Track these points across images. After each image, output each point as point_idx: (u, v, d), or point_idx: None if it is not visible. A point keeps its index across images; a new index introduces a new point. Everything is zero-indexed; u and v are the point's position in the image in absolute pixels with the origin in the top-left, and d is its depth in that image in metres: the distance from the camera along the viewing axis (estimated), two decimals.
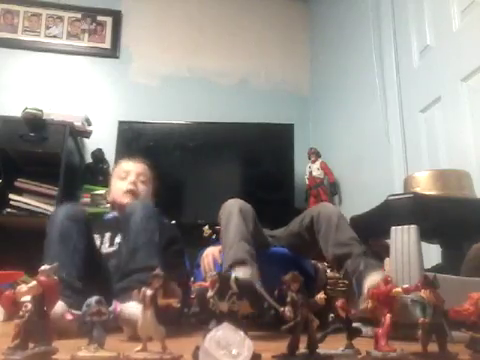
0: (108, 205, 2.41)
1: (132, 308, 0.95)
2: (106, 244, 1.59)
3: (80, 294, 1.16)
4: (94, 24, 3.20)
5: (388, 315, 0.73)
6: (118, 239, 1.59)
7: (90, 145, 2.90)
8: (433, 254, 1.51)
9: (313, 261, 1.67)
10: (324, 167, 2.73)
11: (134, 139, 2.87)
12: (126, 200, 1.67)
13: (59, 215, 1.39)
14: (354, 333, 0.79)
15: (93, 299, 0.68)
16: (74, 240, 1.33)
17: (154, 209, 1.46)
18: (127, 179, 1.74)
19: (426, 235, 1.24)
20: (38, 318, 0.64)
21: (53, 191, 2.43)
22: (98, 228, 1.60)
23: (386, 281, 0.76)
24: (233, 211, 1.44)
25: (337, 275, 1.53)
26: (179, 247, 1.64)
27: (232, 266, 1.27)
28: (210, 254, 1.62)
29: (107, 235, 1.61)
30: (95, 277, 1.37)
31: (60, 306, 0.88)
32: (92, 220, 1.56)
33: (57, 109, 2.65)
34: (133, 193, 1.71)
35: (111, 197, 1.80)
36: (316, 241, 1.46)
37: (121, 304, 1.05)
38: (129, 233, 1.38)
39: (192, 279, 1.64)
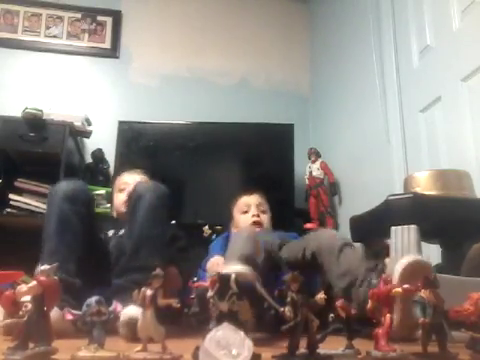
0: (108, 205, 2.43)
1: (131, 311, 0.94)
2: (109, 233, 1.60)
3: (78, 293, 1.15)
4: (94, 24, 3.20)
5: (388, 315, 0.73)
6: (121, 233, 1.61)
7: (90, 145, 2.90)
8: (433, 254, 1.51)
9: None
10: (324, 167, 2.73)
11: (134, 139, 2.87)
12: (124, 210, 1.69)
13: (57, 195, 1.33)
14: (354, 333, 0.79)
15: (93, 299, 0.68)
16: (73, 226, 1.29)
17: (164, 195, 1.41)
18: (125, 190, 1.77)
19: (426, 235, 1.24)
20: (38, 318, 0.64)
21: (49, 192, 2.43)
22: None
23: (386, 281, 0.76)
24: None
25: None
26: (183, 244, 1.65)
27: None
28: (216, 264, 1.57)
29: (111, 231, 1.63)
30: (94, 258, 1.35)
31: (55, 312, 0.86)
32: (94, 200, 1.50)
33: (57, 109, 2.64)
34: None
35: (115, 211, 1.84)
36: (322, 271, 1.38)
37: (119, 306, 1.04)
38: (135, 221, 1.33)
39: (195, 279, 1.64)
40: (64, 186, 1.37)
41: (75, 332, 0.88)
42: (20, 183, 2.47)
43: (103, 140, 2.86)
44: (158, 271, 0.71)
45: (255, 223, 1.92)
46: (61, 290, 0.69)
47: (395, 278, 0.95)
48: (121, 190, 1.82)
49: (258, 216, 1.95)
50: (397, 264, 1.01)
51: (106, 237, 1.62)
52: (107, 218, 2.40)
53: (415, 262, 0.99)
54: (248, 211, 1.99)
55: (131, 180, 1.82)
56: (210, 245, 1.86)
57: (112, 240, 1.58)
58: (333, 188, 2.70)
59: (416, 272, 0.94)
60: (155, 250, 1.30)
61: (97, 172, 2.78)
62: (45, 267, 0.68)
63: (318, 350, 0.69)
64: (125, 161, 2.82)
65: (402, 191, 1.41)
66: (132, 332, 0.92)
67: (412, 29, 2.13)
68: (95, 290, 1.09)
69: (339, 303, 0.79)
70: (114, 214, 1.87)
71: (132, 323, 0.93)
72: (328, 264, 1.33)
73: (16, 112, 2.51)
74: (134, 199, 1.37)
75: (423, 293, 0.73)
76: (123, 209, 1.71)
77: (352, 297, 1.21)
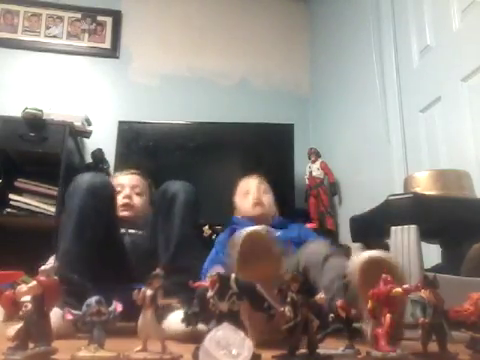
0: None
1: (175, 321, 0.88)
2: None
3: (85, 297, 1.13)
4: (94, 24, 3.20)
5: (388, 315, 0.73)
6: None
7: (90, 145, 2.90)
8: (433, 254, 1.51)
9: None
10: (324, 167, 2.73)
11: (134, 139, 2.87)
12: (123, 213, 1.69)
13: (80, 187, 1.28)
14: (354, 333, 0.79)
15: (93, 299, 0.68)
16: (93, 222, 1.24)
17: (195, 192, 1.41)
18: (122, 193, 1.76)
19: (426, 235, 1.24)
20: (38, 318, 0.64)
21: (53, 191, 2.43)
22: None
23: (386, 281, 0.76)
24: None
25: None
26: None
27: None
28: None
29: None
30: (113, 259, 1.33)
31: (55, 312, 0.84)
32: (114, 193, 1.45)
33: (57, 109, 2.64)
34: (128, 206, 1.72)
35: None
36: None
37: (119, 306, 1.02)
38: (172, 220, 1.29)
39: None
40: (88, 178, 1.31)
41: (75, 332, 0.88)
42: (20, 183, 2.47)
43: (103, 140, 2.86)
44: (158, 271, 0.71)
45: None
46: (65, 292, 0.69)
47: (354, 272, 0.93)
48: (117, 192, 1.76)
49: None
50: (355, 258, 0.98)
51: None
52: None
53: (374, 258, 0.94)
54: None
55: (126, 181, 1.81)
56: (216, 239, 1.81)
57: (126, 237, 1.57)
58: (333, 188, 2.70)
59: (375, 268, 0.90)
60: (195, 250, 1.29)
61: (97, 172, 2.78)
62: (45, 267, 0.68)
63: (318, 350, 0.69)
64: (125, 161, 2.82)
65: (402, 191, 1.41)
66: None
67: (412, 29, 2.13)
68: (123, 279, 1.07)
69: (339, 303, 0.79)
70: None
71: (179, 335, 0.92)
72: (315, 279, 1.27)
73: (16, 112, 2.51)
74: (168, 199, 1.35)
75: (423, 293, 0.73)
76: (121, 214, 1.69)
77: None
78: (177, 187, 1.38)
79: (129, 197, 1.75)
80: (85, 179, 1.31)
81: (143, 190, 1.81)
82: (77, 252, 1.20)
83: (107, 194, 1.33)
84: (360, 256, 0.96)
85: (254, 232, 0.98)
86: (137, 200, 1.77)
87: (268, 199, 1.93)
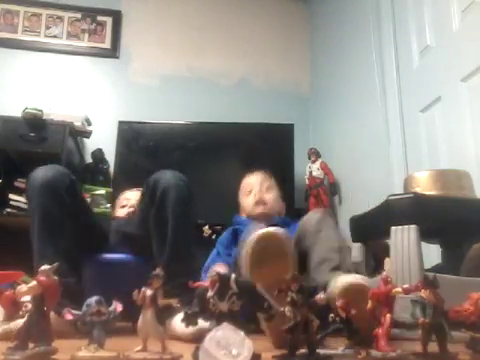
0: (109, 205, 2.43)
1: (179, 325, 0.85)
2: None
3: (75, 291, 1.13)
4: (94, 24, 3.20)
5: (388, 315, 0.73)
6: None
7: (90, 145, 2.90)
8: (433, 254, 1.51)
9: None
10: (324, 167, 2.73)
11: (134, 139, 2.87)
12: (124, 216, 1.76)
13: (35, 187, 1.24)
14: (354, 333, 0.79)
15: (93, 299, 0.68)
16: (58, 220, 1.21)
17: (187, 183, 1.36)
18: (127, 206, 1.85)
19: (426, 235, 1.24)
20: (38, 318, 0.64)
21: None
22: None
23: (386, 281, 0.76)
24: None
25: None
26: None
27: None
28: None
29: None
30: (88, 240, 1.32)
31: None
32: (74, 180, 1.37)
33: (57, 109, 2.64)
34: (132, 211, 1.77)
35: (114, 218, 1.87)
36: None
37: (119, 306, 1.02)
38: (166, 219, 1.25)
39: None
40: (41, 175, 1.26)
41: (73, 333, 0.88)
42: (20, 183, 2.47)
43: (103, 140, 2.86)
44: (158, 271, 0.71)
45: (258, 203, 1.80)
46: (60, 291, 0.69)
47: (334, 293, 0.95)
48: (122, 206, 1.86)
49: (260, 197, 1.81)
50: (338, 281, 0.99)
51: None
52: (107, 218, 2.41)
53: (353, 284, 0.96)
54: (251, 191, 1.86)
55: (133, 196, 1.86)
56: (218, 240, 1.79)
57: (112, 225, 1.58)
58: (333, 188, 2.70)
59: (354, 293, 0.93)
60: (191, 250, 1.28)
61: (97, 172, 2.78)
62: (45, 267, 0.68)
63: (318, 350, 0.69)
64: (125, 161, 2.82)
65: (402, 191, 1.41)
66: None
67: (412, 29, 2.13)
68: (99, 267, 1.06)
69: (339, 303, 0.79)
70: (110, 213, 1.93)
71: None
72: (308, 250, 1.24)
73: (16, 112, 2.51)
74: (160, 193, 1.28)
75: (423, 293, 0.73)
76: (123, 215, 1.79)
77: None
78: (168, 181, 1.31)
79: (133, 206, 1.81)
80: (38, 176, 1.26)
81: None
82: (51, 252, 1.19)
83: (63, 185, 1.27)
84: (339, 282, 0.98)
85: (268, 233, 0.97)
86: None
87: (272, 197, 1.85)
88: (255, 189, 1.85)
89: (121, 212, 1.84)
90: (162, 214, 1.27)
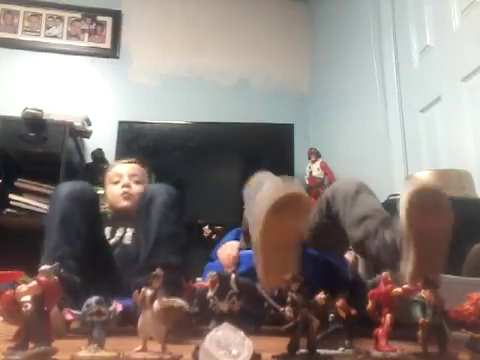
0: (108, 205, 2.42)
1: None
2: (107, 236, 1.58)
3: (79, 291, 1.14)
4: (94, 24, 3.20)
5: (388, 315, 0.73)
6: (119, 233, 1.59)
7: (90, 145, 2.90)
8: None
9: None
10: (324, 167, 2.73)
11: (134, 139, 2.87)
12: (123, 203, 1.68)
13: (61, 194, 1.29)
14: (354, 333, 0.79)
15: (93, 299, 0.68)
16: (76, 225, 1.25)
17: (176, 194, 1.37)
18: (120, 182, 1.73)
19: None
20: (38, 318, 0.64)
21: (52, 192, 2.43)
22: None
23: (386, 281, 0.76)
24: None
25: None
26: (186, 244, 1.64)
27: None
28: (230, 248, 1.48)
29: (107, 229, 1.61)
30: (98, 264, 1.33)
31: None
32: (98, 200, 1.44)
33: (57, 109, 2.64)
34: (128, 195, 1.70)
35: (108, 202, 1.79)
36: (341, 228, 1.18)
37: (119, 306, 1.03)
38: (150, 221, 1.29)
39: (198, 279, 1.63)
40: (68, 186, 1.34)
41: (68, 332, 0.88)
42: (20, 183, 2.47)
43: (103, 140, 2.86)
44: (158, 271, 0.71)
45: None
46: (61, 289, 0.69)
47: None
48: (115, 182, 1.74)
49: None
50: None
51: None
52: (107, 218, 2.40)
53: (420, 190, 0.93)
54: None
55: (124, 170, 1.77)
56: (222, 240, 1.69)
57: (116, 248, 1.56)
58: None
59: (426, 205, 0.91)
60: (174, 249, 1.27)
61: (97, 172, 2.77)
62: (45, 267, 0.68)
63: (318, 350, 0.69)
64: None
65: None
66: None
67: (412, 29, 2.13)
68: (109, 289, 1.08)
69: (339, 303, 0.78)
70: (109, 212, 1.82)
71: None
72: (342, 213, 1.16)
73: (16, 112, 2.51)
74: (147, 200, 1.33)
75: (423, 293, 0.73)
76: (121, 203, 1.69)
77: (366, 250, 1.07)
78: (155, 189, 1.36)
79: (128, 186, 1.72)
80: (66, 186, 1.33)
81: (142, 178, 1.78)
82: (63, 248, 1.21)
83: (87, 198, 1.33)
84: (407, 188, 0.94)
85: (291, 190, 0.94)
86: (136, 188, 1.72)
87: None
88: None
89: (115, 190, 1.73)
90: (148, 216, 1.30)
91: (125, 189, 1.71)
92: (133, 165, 1.81)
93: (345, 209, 1.14)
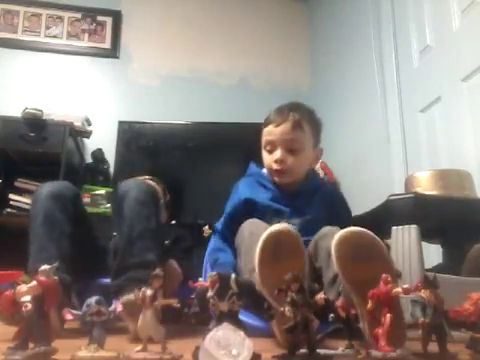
0: (108, 205, 2.43)
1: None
2: None
3: (68, 289, 1.14)
4: (94, 24, 3.20)
5: (388, 315, 0.73)
6: None
7: (90, 145, 2.90)
8: (433, 254, 1.51)
9: None
10: (324, 167, 2.73)
11: (134, 139, 2.87)
12: None
13: (42, 194, 1.29)
14: (354, 333, 0.79)
15: (93, 299, 0.68)
16: (60, 223, 1.25)
17: (149, 189, 1.34)
18: None
19: (427, 235, 1.24)
20: (38, 318, 0.64)
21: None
22: None
23: (386, 281, 0.76)
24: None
25: None
26: (188, 244, 1.63)
27: None
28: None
29: None
30: (89, 257, 1.33)
31: None
32: (80, 197, 1.44)
33: (57, 109, 2.64)
34: None
35: None
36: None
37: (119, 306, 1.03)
38: (123, 220, 1.27)
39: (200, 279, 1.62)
40: (48, 186, 1.34)
41: (62, 331, 0.88)
42: (20, 183, 2.48)
43: (103, 140, 2.86)
44: (158, 271, 0.71)
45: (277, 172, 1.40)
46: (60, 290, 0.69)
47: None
48: None
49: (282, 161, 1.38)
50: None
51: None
52: (107, 218, 2.40)
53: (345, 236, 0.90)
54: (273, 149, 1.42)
55: None
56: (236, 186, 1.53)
57: (112, 239, 1.58)
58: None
59: (355, 246, 0.88)
60: (149, 244, 1.24)
61: (97, 172, 2.78)
62: (45, 267, 0.68)
63: (318, 350, 0.69)
64: (125, 161, 2.82)
65: (402, 191, 1.41)
66: None
67: (412, 29, 2.13)
68: (94, 290, 1.08)
69: (339, 303, 0.79)
70: (108, 213, 1.84)
71: None
72: (323, 271, 1.12)
73: (16, 112, 2.51)
74: (119, 198, 1.32)
75: (423, 293, 0.73)
76: None
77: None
78: (127, 186, 1.33)
79: None
80: (45, 187, 1.33)
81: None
82: (49, 249, 1.20)
83: (69, 195, 1.33)
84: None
85: (278, 231, 0.94)
86: None
87: (297, 157, 1.39)
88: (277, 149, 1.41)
89: None
90: (121, 214, 1.28)
91: None
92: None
93: (324, 267, 1.11)
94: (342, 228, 1.17)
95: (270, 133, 1.42)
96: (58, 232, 1.24)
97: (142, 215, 1.27)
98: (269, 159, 1.42)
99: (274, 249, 0.93)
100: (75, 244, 1.26)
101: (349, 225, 1.27)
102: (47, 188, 1.32)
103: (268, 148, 1.43)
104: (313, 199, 1.42)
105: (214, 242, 1.50)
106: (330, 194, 1.51)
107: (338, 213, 1.42)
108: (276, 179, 1.42)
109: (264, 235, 0.94)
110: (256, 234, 1.07)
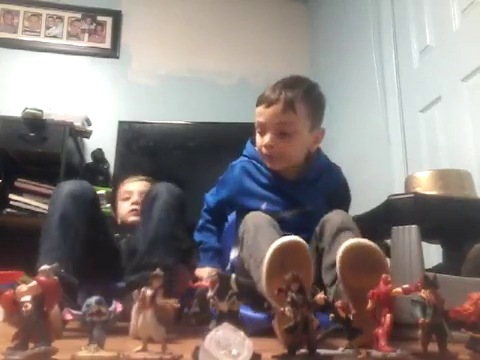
0: (108, 205, 2.42)
1: None
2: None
3: (76, 293, 1.14)
4: (94, 24, 3.20)
5: (388, 315, 0.73)
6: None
7: (90, 145, 2.90)
8: (433, 254, 1.51)
9: None
10: None
11: (134, 139, 2.87)
12: (132, 219, 1.70)
13: (61, 193, 1.29)
14: (354, 333, 0.79)
15: (93, 299, 0.68)
16: (76, 224, 1.25)
17: (180, 195, 1.37)
18: (130, 199, 1.77)
19: (427, 235, 1.24)
20: (38, 318, 0.64)
21: (53, 191, 2.43)
22: None
23: (386, 281, 0.76)
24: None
25: None
26: (188, 245, 1.64)
27: None
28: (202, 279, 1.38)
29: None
30: (102, 260, 1.33)
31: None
32: (99, 199, 1.46)
33: (57, 109, 2.64)
34: (136, 212, 1.71)
35: (119, 215, 1.82)
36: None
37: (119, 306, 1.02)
38: (150, 219, 1.29)
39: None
40: (68, 185, 1.33)
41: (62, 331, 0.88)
42: (20, 183, 2.47)
43: (103, 140, 2.86)
44: (158, 271, 0.71)
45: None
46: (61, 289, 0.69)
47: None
48: (125, 199, 1.79)
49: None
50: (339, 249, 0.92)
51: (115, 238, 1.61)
52: (107, 218, 2.40)
53: (351, 247, 0.91)
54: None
55: (135, 188, 1.81)
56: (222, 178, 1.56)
57: (122, 239, 1.58)
58: None
59: (359, 256, 0.90)
60: (170, 250, 1.27)
61: (97, 172, 2.78)
62: (45, 267, 0.68)
63: (318, 350, 0.69)
64: (125, 161, 2.82)
65: (402, 191, 1.41)
66: None
67: (412, 29, 2.13)
68: (105, 287, 1.07)
69: (339, 303, 0.78)
70: (119, 221, 1.84)
71: None
72: (325, 250, 1.11)
73: (16, 112, 2.51)
74: (150, 198, 1.34)
75: (423, 293, 0.73)
76: (129, 218, 1.72)
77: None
78: (160, 188, 1.35)
79: (137, 203, 1.74)
80: (66, 186, 1.33)
81: None
82: (61, 250, 1.20)
83: (87, 197, 1.33)
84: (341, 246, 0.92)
85: (286, 244, 0.92)
86: None
87: (291, 145, 1.30)
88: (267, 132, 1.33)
89: (124, 206, 1.78)
90: (149, 215, 1.30)
91: (134, 206, 1.74)
92: (144, 182, 1.84)
93: (326, 250, 1.10)
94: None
95: (260, 114, 1.33)
96: (73, 233, 1.24)
97: (170, 220, 1.29)
98: (260, 142, 1.33)
99: (281, 262, 0.91)
100: (89, 247, 1.26)
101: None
102: (68, 186, 1.32)
103: (259, 130, 1.35)
104: (315, 186, 1.35)
105: (202, 217, 1.53)
106: (334, 180, 1.44)
107: (338, 201, 1.36)
108: (267, 165, 1.34)
109: (271, 248, 0.92)
110: (261, 226, 1.07)
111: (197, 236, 1.51)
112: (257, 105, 1.34)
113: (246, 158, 1.44)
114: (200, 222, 1.54)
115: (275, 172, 1.34)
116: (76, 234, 1.25)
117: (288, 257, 0.91)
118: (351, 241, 0.92)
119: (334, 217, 1.14)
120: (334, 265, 0.96)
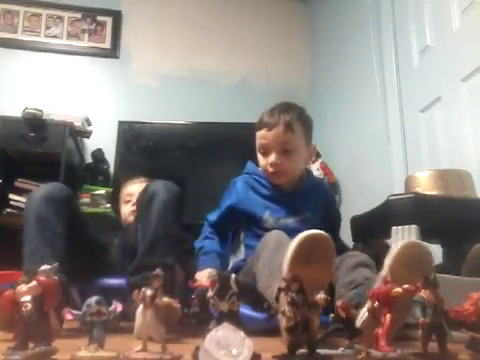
0: (108, 205, 2.43)
1: None
2: None
3: (66, 289, 1.14)
4: (94, 24, 3.20)
5: (388, 315, 0.73)
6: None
7: (90, 145, 2.90)
8: (433, 254, 1.51)
9: None
10: (324, 167, 2.73)
11: (134, 139, 2.87)
12: (131, 219, 1.70)
13: (35, 197, 1.30)
14: (354, 333, 0.79)
15: (93, 299, 0.68)
16: (53, 225, 1.26)
17: (177, 193, 1.37)
18: (131, 201, 1.78)
19: (427, 235, 1.24)
20: (38, 318, 0.64)
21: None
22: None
23: (386, 281, 0.76)
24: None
25: None
26: (189, 245, 1.64)
27: None
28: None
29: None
30: (88, 257, 1.34)
31: None
32: (74, 198, 1.45)
33: (57, 109, 2.64)
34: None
35: (122, 217, 1.84)
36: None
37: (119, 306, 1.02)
38: (149, 218, 1.29)
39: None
40: (40, 189, 1.35)
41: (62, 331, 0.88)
42: (20, 183, 2.47)
43: (103, 140, 2.86)
44: (158, 271, 0.71)
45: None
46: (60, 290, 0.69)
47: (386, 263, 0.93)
48: (126, 201, 1.82)
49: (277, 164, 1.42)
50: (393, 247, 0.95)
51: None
52: (107, 218, 2.40)
53: (412, 245, 0.95)
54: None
55: (136, 190, 1.81)
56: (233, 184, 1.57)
57: (118, 236, 1.58)
58: (333, 188, 2.70)
59: (412, 258, 0.92)
60: (170, 249, 1.27)
61: (97, 172, 2.78)
62: (45, 267, 0.68)
63: (318, 350, 0.69)
64: (125, 161, 2.82)
65: (402, 191, 1.41)
66: None
67: (412, 29, 2.13)
68: (96, 290, 1.08)
69: (339, 303, 0.79)
70: (123, 224, 1.86)
71: None
72: (340, 278, 1.14)
73: (16, 112, 2.51)
74: (148, 196, 1.34)
75: (423, 293, 0.73)
76: (131, 220, 1.71)
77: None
78: (158, 186, 1.35)
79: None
80: (38, 192, 1.34)
81: None
82: (43, 251, 1.22)
83: (61, 197, 1.33)
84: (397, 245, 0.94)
85: (315, 234, 0.95)
86: None
87: (291, 158, 1.43)
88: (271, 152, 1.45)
89: (127, 209, 1.80)
90: (148, 214, 1.30)
91: (134, 208, 1.72)
92: (145, 184, 1.84)
93: (341, 275, 1.13)
94: (335, 229, 1.39)
95: (263, 137, 1.47)
96: (51, 234, 1.25)
97: (169, 219, 1.30)
98: (264, 162, 1.46)
99: (309, 251, 0.94)
100: (71, 245, 1.27)
101: (340, 226, 1.44)
102: (39, 191, 1.33)
103: (262, 151, 1.49)
104: (310, 198, 1.48)
105: (203, 231, 1.58)
106: (325, 194, 1.60)
107: (331, 213, 1.54)
108: (272, 181, 1.47)
109: (301, 236, 0.95)
110: (283, 244, 1.07)
111: (197, 244, 1.53)
112: (258, 130, 1.51)
113: (247, 174, 1.56)
114: (201, 236, 1.56)
115: (274, 185, 1.47)
116: (54, 234, 1.25)
117: (314, 248, 0.94)
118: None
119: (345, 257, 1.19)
120: (354, 283, 1.06)
